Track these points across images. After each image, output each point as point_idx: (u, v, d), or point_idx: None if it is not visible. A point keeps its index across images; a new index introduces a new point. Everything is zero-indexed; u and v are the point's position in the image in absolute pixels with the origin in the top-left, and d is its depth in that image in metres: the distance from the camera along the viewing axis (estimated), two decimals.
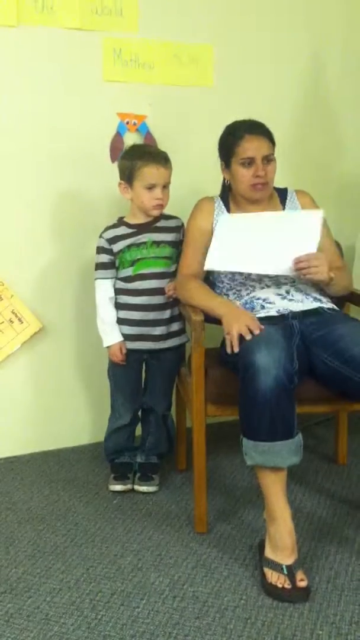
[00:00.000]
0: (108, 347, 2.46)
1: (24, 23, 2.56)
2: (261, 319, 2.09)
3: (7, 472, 2.68)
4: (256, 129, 2.32)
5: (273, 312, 2.21)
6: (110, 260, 2.45)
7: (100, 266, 2.46)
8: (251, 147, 2.28)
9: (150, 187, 2.34)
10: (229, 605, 1.83)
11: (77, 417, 2.91)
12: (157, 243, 2.41)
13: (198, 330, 2.11)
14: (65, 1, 2.59)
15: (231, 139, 2.33)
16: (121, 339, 2.45)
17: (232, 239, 2.27)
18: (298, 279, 2.23)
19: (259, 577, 1.93)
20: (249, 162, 2.28)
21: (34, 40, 2.59)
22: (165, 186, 2.37)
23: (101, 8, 2.66)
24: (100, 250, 2.46)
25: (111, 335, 2.45)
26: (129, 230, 2.43)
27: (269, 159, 2.29)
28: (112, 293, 2.46)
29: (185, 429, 2.62)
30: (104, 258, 2.45)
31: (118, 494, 2.47)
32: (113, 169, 2.49)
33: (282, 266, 2.18)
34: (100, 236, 2.46)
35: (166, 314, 2.45)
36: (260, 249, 2.22)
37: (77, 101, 2.69)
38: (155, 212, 2.40)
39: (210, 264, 2.27)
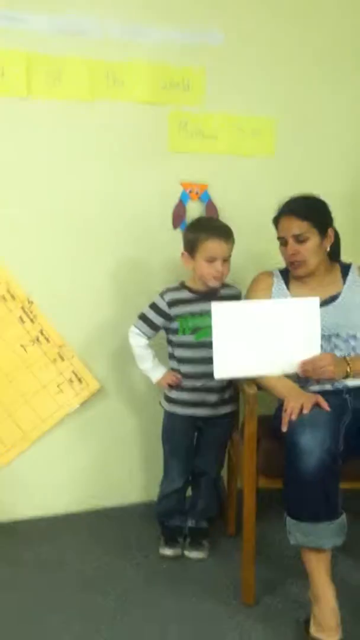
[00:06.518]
0: (158, 381, 2.53)
1: (97, 98, 2.69)
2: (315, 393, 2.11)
3: (63, 529, 2.73)
4: (290, 210, 2.37)
5: (328, 387, 2.23)
6: (160, 324, 2.50)
7: (145, 320, 2.51)
8: (282, 227, 2.38)
9: (211, 260, 2.39)
10: None
11: (130, 476, 2.95)
12: None
13: (252, 403, 2.15)
14: (135, 76, 2.71)
15: (275, 219, 2.43)
16: (166, 368, 2.53)
17: (234, 340, 2.21)
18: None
19: None
20: (284, 241, 2.37)
21: (104, 113, 2.70)
22: (226, 260, 2.42)
23: (170, 83, 2.78)
24: (155, 308, 2.50)
25: (158, 368, 2.54)
26: (191, 296, 2.48)
27: (301, 238, 2.33)
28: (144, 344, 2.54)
29: (235, 493, 2.63)
30: (154, 317, 2.50)
31: (168, 558, 2.50)
32: (174, 236, 2.55)
33: (288, 366, 2.23)
34: (161, 296, 2.50)
35: (223, 381, 2.48)
36: (264, 349, 2.21)
37: (143, 171, 2.79)
38: (214, 284, 2.43)
39: (219, 373, 2.24)
